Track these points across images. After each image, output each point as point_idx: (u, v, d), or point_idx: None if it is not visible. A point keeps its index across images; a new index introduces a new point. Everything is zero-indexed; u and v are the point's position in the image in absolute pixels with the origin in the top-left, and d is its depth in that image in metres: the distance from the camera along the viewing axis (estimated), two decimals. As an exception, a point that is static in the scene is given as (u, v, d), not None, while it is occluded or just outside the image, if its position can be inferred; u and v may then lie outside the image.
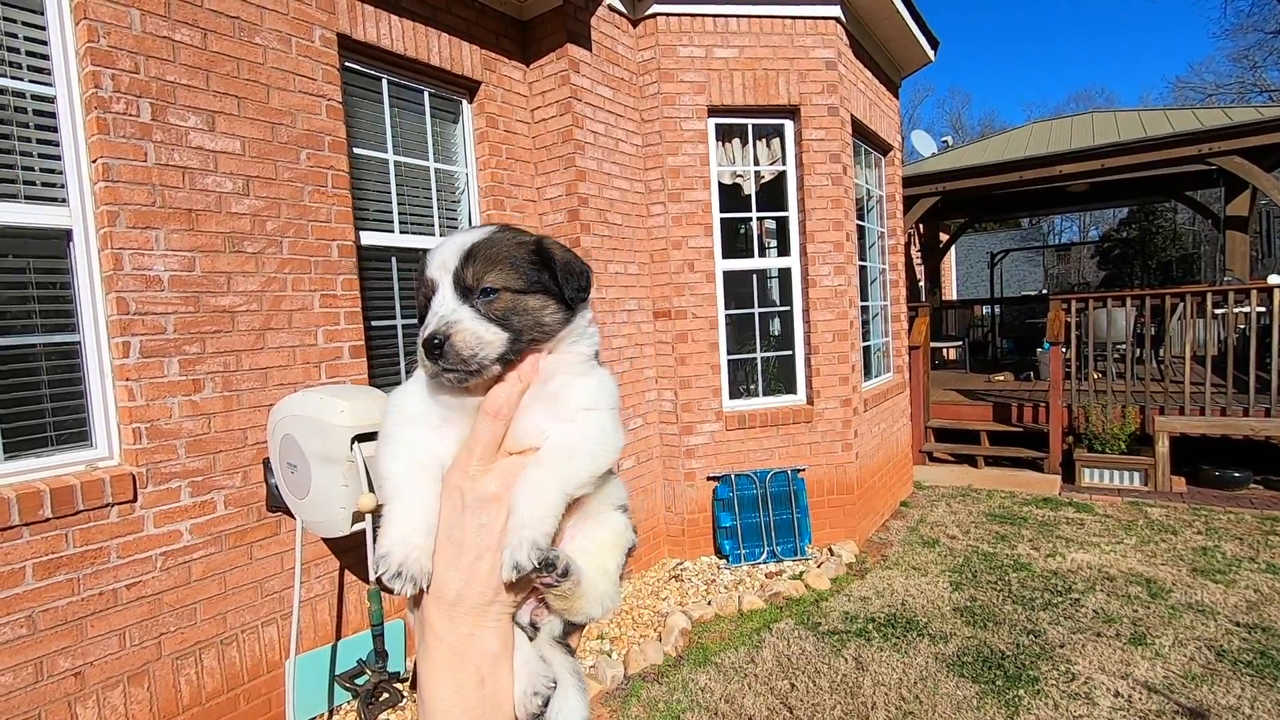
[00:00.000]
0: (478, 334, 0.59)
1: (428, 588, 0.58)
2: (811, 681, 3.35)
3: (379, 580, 0.56)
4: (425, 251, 0.66)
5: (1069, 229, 39.17)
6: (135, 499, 2.57)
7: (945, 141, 15.38)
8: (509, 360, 0.61)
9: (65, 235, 2.54)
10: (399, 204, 3.78)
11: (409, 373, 2.42)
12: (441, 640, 0.57)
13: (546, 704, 0.58)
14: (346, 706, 3.26)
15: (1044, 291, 23.35)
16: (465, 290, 0.61)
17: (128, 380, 2.58)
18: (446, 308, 0.60)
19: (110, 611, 2.51)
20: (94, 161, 2.53)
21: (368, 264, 3.53)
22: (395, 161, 3.76)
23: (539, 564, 0.56)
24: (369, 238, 3.56)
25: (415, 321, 2.81)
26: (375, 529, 0.64)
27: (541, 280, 0.63)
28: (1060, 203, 12.98)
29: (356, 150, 3.51)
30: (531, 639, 0.62)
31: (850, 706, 3.13)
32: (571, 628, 0.65)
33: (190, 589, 2.73)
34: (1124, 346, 7.38)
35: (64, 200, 2.53)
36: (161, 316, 2.65)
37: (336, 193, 3.26)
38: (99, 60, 2.49)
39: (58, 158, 2.52)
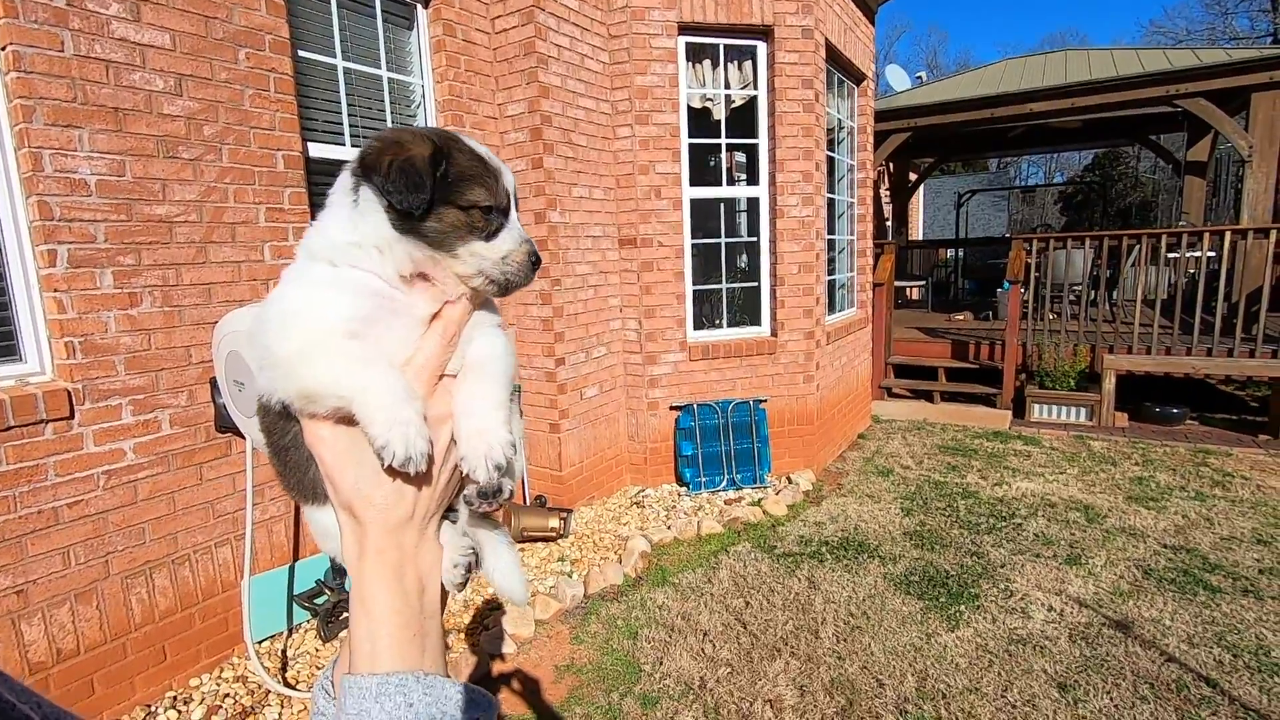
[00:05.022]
0: None
1: (433, 456, 0.58)
2: (765, 599, 3.46)
3: (389, 469, 0.55)
4: (480, 153, 0.64)
5: (1035, 174, 39.43)
6: (72, 415, 2.46)
7: (920, 78, 15.14)
8: None
9: (-24, 131, 2.33)
10: (350, 115, 3.57)
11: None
12: (384, 555, 0.57)
13: (469, 569, 0.62)
14: (306, 625, 3.27)
15: (1007, 234, 23.62)
16: None
17: (56, 291, 2.42)
18: (522, 233, 0.65)
19: (51, 530, 2.43)
20: (3, 49, 2.30)
21: (317, 178, 3.34)
22: (345, 68, 3.52)
23: (507, 462, 0.60)
24: (318, 150, 3.36)
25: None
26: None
27: None
28: (1029, 144, 12.99)
29: (302, 53, 3.27)
30: (454, 523, 0.65)
31: (801, 622, 3.25)
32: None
33: (137, 508, 2.66)
34: (1080, 287, 7.53)
35: (-28, 91, 2.31)
36: (90, 224, 2.48)
37: (280, 98, 3.05)
38: (1, -69, 2.23)
39: (-39, 43, 2.28)
